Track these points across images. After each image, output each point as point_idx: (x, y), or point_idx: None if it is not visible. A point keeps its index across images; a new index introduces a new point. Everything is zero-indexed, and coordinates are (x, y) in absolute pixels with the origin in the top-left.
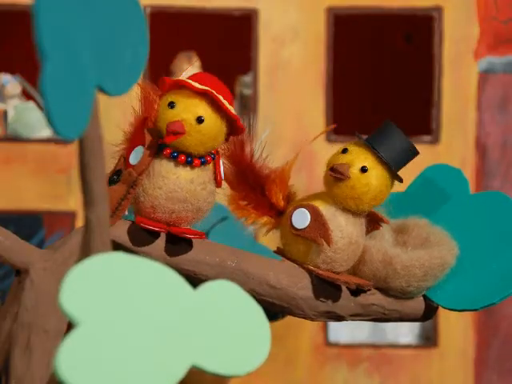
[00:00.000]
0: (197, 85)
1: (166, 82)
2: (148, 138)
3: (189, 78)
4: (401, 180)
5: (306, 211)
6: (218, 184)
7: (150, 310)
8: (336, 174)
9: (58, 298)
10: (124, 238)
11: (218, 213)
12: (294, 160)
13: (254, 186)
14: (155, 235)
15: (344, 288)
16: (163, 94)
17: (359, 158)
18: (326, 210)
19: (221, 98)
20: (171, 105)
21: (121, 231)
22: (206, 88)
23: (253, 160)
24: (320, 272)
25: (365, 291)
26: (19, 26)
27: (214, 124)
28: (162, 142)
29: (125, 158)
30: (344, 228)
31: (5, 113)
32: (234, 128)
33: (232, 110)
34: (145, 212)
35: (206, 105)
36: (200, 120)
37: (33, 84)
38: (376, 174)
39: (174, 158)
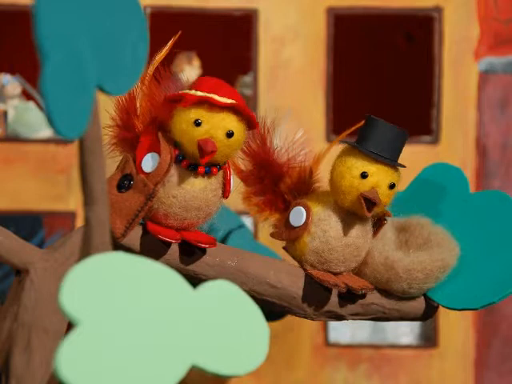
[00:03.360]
0: (220, 99)
1: (188, 99)
2: (165, 146)
3: (201, 87)
4: (404, 166)
5: (303, 210)
6: (225, 194)
7: (149, 310)
8: (372, 207)
9: (58, 298)
10: (128, 241)
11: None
12: (319, 158)
13: (269, 184)
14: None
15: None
16: (182, 108)
17: (381, 177)
18: (322, 209)
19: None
20: (197, 122)
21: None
22: (233, 102)
23: (274, 155)
24: (312, 273)
25: (359, 295)
26: (19, 26)
27: (240, 134)
28: (179, 153)
29: (134, 160)
30: (339, 229)
31: (5, 113)
32: (250, 127)
33: (254, 116)
34: (156, 218)
35: (233, 117)
36: (230, 134)
37: (33, 84)
38: (398, 183)
39: (192, 170)
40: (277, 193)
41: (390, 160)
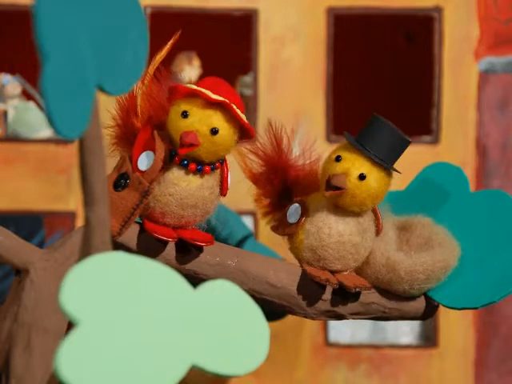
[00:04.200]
0: (211, 94)
1: (179, 90)
2: (159, 143)
3: (200, 84)
4: (398, 172)
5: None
6: (222, 192)
7: (150, 310)
8: (334, 190)
9: (58, 298)
10: (126, 240)
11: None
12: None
13: (278, 185)
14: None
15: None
16: (175, 100)
17: (354, 165)
18: (317, 207)
19: (234, 107)
20: (184, 114)
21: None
22: (222, 99)
23: (289, 160)
24: (307, 268)
25: (354, 294)
26: (19, 26)
27: (227, 134)
28: (172, 148)
29: (130, 159)
30: (333, 225)
31: (5, 113)
32: (244, 135)
33: (244, 118)
34: (153, 217)
35: (221, 115)
36: (214, 131)
37: (33, 84)
38: (374, 178)
39: (184, 165)
40: (285, 195)
41: (367, 150)
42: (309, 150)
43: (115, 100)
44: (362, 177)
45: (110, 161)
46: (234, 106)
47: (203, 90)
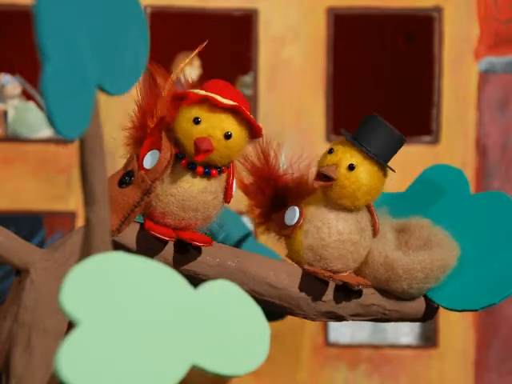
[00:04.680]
0: (222, 99)
1: (190, 97)
2: (166, 143)
3: (206, 88)
4: (392, 170)
5: (297, 209)
6: (226, 199)
7: (150, 310)
8: (322, 179)
9: (58, 298)
10: (126, 239)
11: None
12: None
13: (269, 194)
14: (161, 240)
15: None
16: (184, 106)
17: (345, 156)
18: (315, 207)
19: (244, 109)
20: (196, 120)
21: (125, 232)
22: (234, 103)
23: (276, 172)
24: (309, 269)
25: (357, 292)
26: (19, 26)
27: (239, 137)
28: (179, 152)
29: (138, 158)
30: (333, 225)
31: (5, 113)
32: (253, 134)
33: (253, 119)
34: (154, 216)
35: (232, 119)
36: (228, 136)
37: (33, 84)
38: (365, 170)
39: (191, 169)
40: (278, 204)
41: (360, 144)
42: (296, 162)
43: (134, 102)
44: (351, 167)
45: (123, 162)
46: (244, 109)
47: (213, 96)
